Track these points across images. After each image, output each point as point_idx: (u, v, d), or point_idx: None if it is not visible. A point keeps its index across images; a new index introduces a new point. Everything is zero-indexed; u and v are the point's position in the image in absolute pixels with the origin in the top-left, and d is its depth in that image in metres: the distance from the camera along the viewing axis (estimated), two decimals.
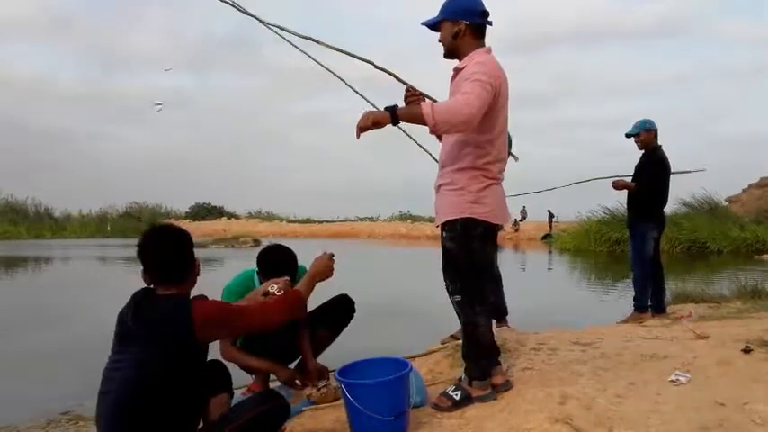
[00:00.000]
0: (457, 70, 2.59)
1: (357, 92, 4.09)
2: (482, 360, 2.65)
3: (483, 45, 2.61)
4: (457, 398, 2.59)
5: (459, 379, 2.72)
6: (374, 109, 2.45)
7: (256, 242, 23.08)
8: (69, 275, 13.07)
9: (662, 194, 5.01)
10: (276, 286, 2.42)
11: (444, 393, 2.65)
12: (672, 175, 5.05)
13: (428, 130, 2.46)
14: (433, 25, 2.64)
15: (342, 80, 4.02)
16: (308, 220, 39.22)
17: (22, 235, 30.41)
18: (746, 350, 2.92)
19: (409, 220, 35.74)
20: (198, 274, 2.14)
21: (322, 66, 3.97)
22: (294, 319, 3.43)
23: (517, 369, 2.97)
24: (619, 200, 17.08)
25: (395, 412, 2.36)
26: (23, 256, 17.45)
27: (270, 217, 41.40)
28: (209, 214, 41.63)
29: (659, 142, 5.03)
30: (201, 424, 2.17)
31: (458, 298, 2.58)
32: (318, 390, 3.02)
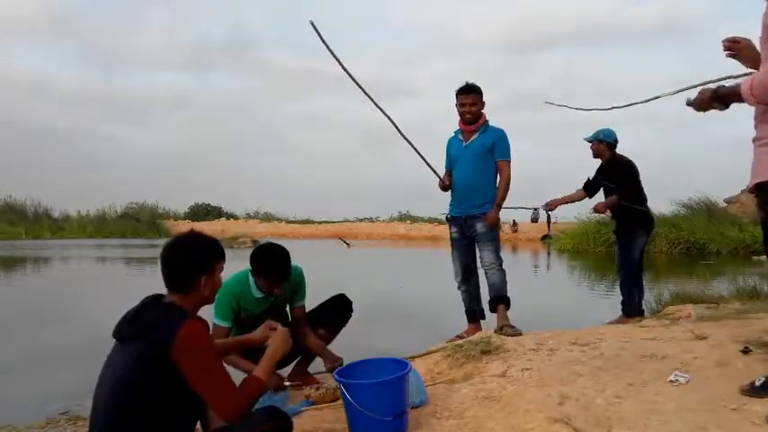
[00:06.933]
0: None
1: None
2: None
3: None
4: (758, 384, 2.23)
5: None
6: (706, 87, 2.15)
7: (255, 243, 23.02)
8: (69, 276, 13.05)
9: (641, 196, 4.96)
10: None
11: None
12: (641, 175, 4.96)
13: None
14: None
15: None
16: (306, 221, 39.16)
17: (20, 235, 30.33)
18: (745, 351, 2.92)
19: (408, 221, 35.69)
20: (206, 295, 2.00)
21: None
22: (293, 318, 3.46)
23: (516, 369, 2.97)
24: None
25: (394, 412, 2.36)
26: (23, 257, 17.42)
27: (268, 217, 41.33)
28: (207, 214, 41.58)
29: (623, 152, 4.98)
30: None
31: None
32: (317, 390, 3.03)
